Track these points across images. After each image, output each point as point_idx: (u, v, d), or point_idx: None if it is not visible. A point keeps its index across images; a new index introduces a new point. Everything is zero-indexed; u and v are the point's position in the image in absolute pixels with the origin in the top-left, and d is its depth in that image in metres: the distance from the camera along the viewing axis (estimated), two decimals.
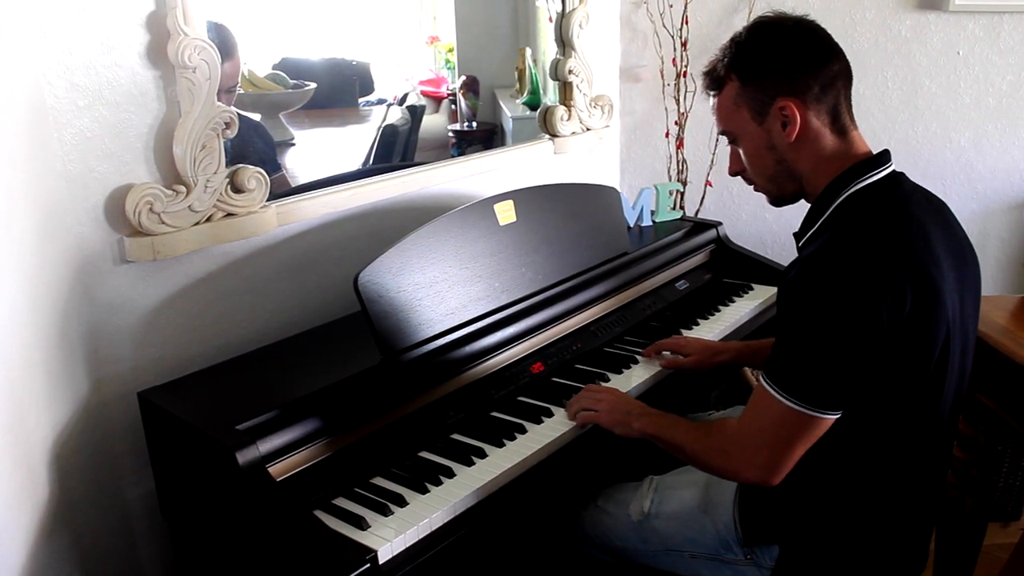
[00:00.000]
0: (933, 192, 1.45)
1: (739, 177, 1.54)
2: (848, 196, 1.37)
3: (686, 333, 2.03)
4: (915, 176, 1.43)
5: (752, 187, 1.53)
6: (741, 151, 1.49)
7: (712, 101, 1.50)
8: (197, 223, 1.65)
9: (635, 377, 1.83)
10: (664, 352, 1.89)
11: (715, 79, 1.47)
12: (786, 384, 1.29)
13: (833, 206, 1.38)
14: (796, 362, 1.30)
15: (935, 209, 1.42)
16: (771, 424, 1.32)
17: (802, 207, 1.48)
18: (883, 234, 1.30)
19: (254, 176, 1.71)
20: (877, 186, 1.37)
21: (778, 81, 1.38)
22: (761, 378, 1.34)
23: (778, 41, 1.40)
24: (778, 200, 1.51)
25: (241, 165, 1.70)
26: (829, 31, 1.41)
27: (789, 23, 1.41)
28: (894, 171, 1.40)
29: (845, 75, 1.40)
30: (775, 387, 1.30)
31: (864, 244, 1.29)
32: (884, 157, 1.40)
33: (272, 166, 2.09)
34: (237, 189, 1.70)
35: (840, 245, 1.30)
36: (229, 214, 1.70)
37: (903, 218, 1.33)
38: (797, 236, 1.47)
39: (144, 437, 1.60)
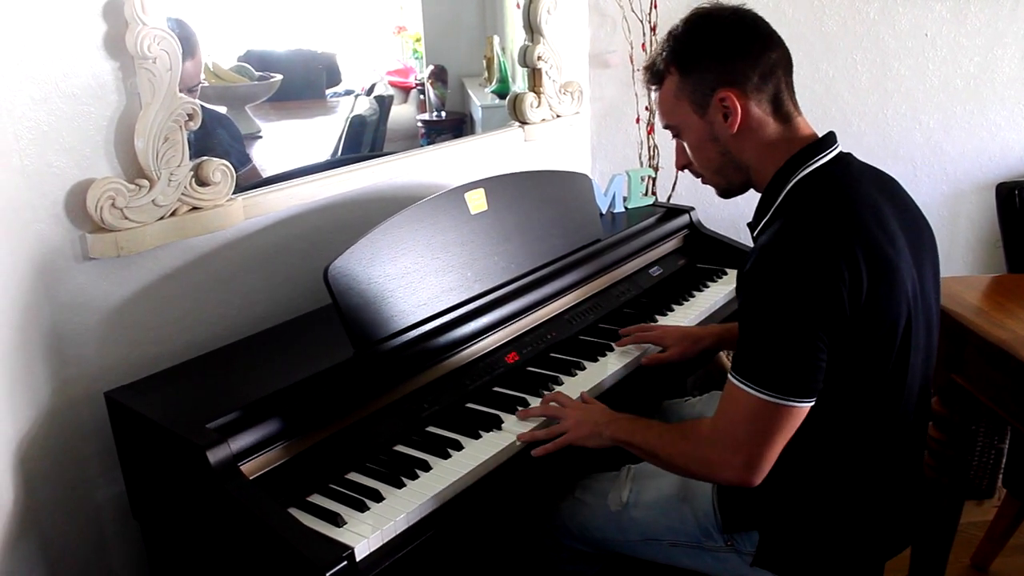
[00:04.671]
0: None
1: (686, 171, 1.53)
2: (797, 182, 1.36)
3: (661, 320, 2.02)
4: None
5: (700, 180, 1.52)
6: (686, 144, 1.49)
7: (654, 95, 1.49)
8: (161, 218, 1.61)
9: (610, 365, 1.82)
10: (643, 345, 1.88)
11: (655, 73, 1.46)
12: (755, 376, 1.27)
13: (783, 193, 1.37)
14: (762, 352, 1.28)
15: (886, 186, 1.42)
16: (745, 420, 1.29)
17: None
18: (835, 214, 1.30)
19: (219, 168, 1.68)
20: (825, 169, 1.37)
21: (716, 72, 1.37)
22: (730, 375, 1.32)
23: (714, 32, 1.39)
24: (726, 192, 1.50)
25: (205, 158, 1.67)
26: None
27: (726, 13, 1.40)
28: (841, 152, 1.40)
29: (784, 63, 1.40)
30: (745, 381, 1.28)
31: (817, 226, 1.28)
32: (830, 139, 1.40)
33: (241, 159, 2.06)
34: (202, 182, 1.66)
35: (793, 230, 1.29)
36: (194, 208, 1.67)
37: (853, 197, 1.33)
38: (751, 226, 1.46)
39: (112, 438, 1.57)
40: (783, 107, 1.39)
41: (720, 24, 1.39)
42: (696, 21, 1.41)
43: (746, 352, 1.30)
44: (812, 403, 1.28)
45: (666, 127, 1.50)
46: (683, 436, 1.41)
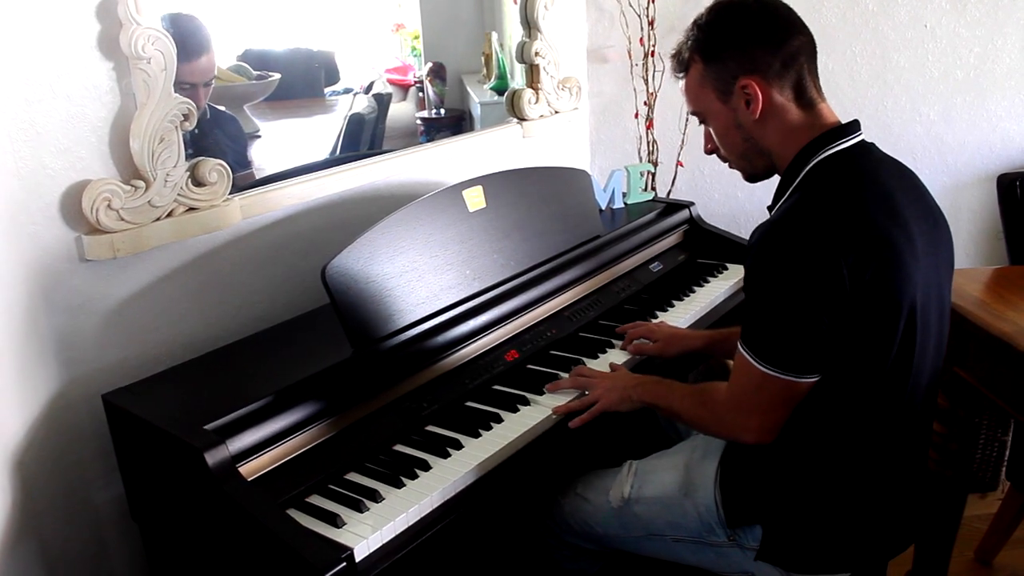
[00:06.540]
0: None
1: (713, 156, 1.55)
2: (816, 163, 1.38)
3: (661, 316, 2.01)
4: (885, 150, 1.43)
5: (727, 164, 1.54)
6: (711, 130, 1.51)
7: (680, 83, 1.51)
8: (158, 219, 1.61)
9: (610, 362, 1.81)
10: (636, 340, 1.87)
11: (681, 62, 1.49)
12: (760, 351, 1.32)
13: (802, 173, 1.39)
14: (765, 328, 1.33)
15: (905, 177, 1.43)
16: (753, 389, 1.36)
17: (773, 184, 1.49)
18: (844, 195, 1.32)
19: (215, 169, 1.67)
20: (845, 153, 1.38)
21: (738, 60, 1.39)
22: (739, 343, 1.36)
23: (737, 21, 1.41)
24: (752, 176, 1.52)
25: (202, 158, 1.66)
26: (796, 6, 1.41)
27: (749, 2, 1.41)
28: (863, 140, 1.41)
29: (808, 50, 1.41)
30: (751, 353, 1.33)
31: (824, 205, 1.30)
32: (853, 126, 1.41)
33: (241, 162, 2.05)
34: (198, 182, 1.66)
35: (801, 208, 1.32)
36: (191, 208, 1.66)
37: (867, 181, 1.35)
38: (770, 208, 1.47)
39: (111, 440, 1.56)
40: (806, 93, 1.41)
41: (743, 12, 1.41)
42: (720, 10, 1.43)
43: (751, 324, 1.35)
44: (815, 378, 1.32)
45: (693, 114, 1.53)
46: (702, 401, 1.48)
